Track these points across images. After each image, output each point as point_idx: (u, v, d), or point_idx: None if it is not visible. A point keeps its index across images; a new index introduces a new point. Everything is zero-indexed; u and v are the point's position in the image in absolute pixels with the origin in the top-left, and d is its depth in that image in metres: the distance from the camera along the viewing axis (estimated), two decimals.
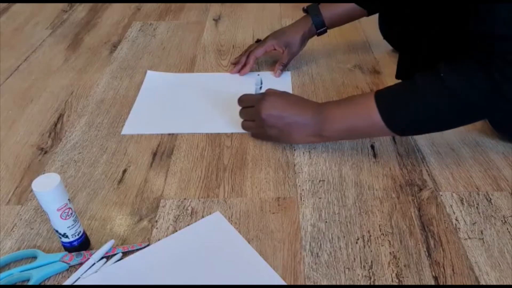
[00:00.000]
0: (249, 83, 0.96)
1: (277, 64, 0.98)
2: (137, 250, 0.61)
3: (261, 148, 0.78)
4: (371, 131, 0.71)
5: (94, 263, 0.58)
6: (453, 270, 0.58)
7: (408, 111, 0.67)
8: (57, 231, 0.58)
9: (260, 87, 0.75)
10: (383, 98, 0.68)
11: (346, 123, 0.71)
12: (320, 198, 0.68)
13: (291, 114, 0.73)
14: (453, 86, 0.63)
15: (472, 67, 0.62)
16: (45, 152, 0.79)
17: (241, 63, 0.99)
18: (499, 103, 0.63)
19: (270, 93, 0.75)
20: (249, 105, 0.77)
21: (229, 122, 0.83)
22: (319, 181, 0.71)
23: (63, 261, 0.58)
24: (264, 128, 0.75)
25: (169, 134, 0.82)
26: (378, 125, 0.68)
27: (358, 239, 0.62)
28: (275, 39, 0.97)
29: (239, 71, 0.99)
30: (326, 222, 0.64)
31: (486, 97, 0.62)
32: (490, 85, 0.61)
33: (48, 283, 0.57)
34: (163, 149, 0.79)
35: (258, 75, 0.74)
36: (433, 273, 0.57)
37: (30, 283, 0.56)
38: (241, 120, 0.80)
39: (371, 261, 0.59)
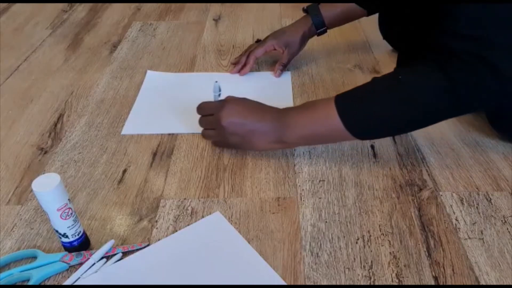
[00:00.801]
0: (249, 83, 0.96)
1: (277, 64, 0.98)
2: (137, 250, 0.61)
3: None
4: (333, 135, 0.70)
5: (94, 263, 0.58)
6: (453, 270, 0.58)
7: (367, 114, 0.66)
8: (57, 231, 0.58)
9: (219, 94, 0.73)
10: (343, 102, 0.67)
11: (307, 129, 0.69)
12: (320, 198, 0.68)
13: (252, 121, 0.71)
14: (410, 89, 0.63)
15: (429, 70, 0.62)
16: (45, 152, 0.79)
17: (241, 63, 0.99)
18: (455, 104, 0.63)
19: (230, 100, 0.73)
20: (209, 113, 0.74)
21: None
22: (319, 181, 0.71)
23: (63, 261, 0.58)
24: (225, 136, 0.72)
25: (169, 134, 0.82)
26: (338, 129, 0.67)
27: (358, 239, 0.62)
28: (275, 39, 0.97)
29: (239, 71, 0.99)
30: (326, 222, 0.64)
31: (443, 99, 0.62)
32: (446, 87, 0.61)
33: (48, 283, 0.57)
34: (163, 149, 0.79)
35: (216, 81, 0.73)
36: (433, 273, 0.57)
37: (30, 283, 0.56)
38: None
39: (371, 261, 0.59)
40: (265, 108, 0.73)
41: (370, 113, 0.66)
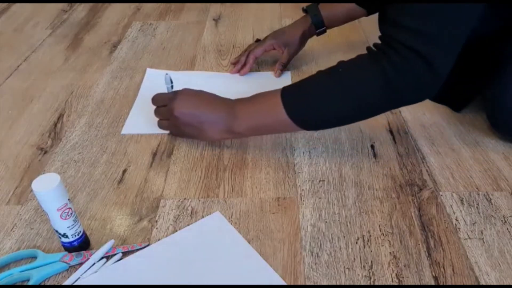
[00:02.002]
0: (249, 83, 0.96)
1: (277, 64, 0.98)
2: (137, 250, 0.61)
3: (261, 148, 0.78)
4: (279, 125, 0.71)
5: (94, 263, 0.58)
6: (453, 270, 0.58)
7: (310, 106, 0.68)
8: (57, 231, 0.58)
9: (172, 86, 0.76)
10: (289, 93, 0.69)
11: (254, 119, 0.71)
12: (320, 198, 0.68)
13: (203, 111, 0.73)
14: (347, 80, 0.66)
15: (367, 61, 0.65)
16: (45, 152, 0.79)
17: (241, 63, 0.99)
18: (390, 96, 0.65)
19: (183, 91, 0.75)
20: (162, 104, 0.77)
21: None
22: (319, 181, 0.71)
23: (63, 261, 0.58)
24: (178, 126, 0.75)
25: (169, 134, 0.82)
26: (284, 120, 0.69)
27: (358, 239, 0.62)
28: (274, 39, 0.97)
29: (239, 71, 0.99)
30: (326, 222, 0.64)
31: (378, 90, 0.64)
32: (381, 79, 0.63)
33: (48, 283, 0.57)
34: (163, 149, 0.79)
35: (167, 74, 0.76)
36: (433, 273, 0.57)
37: (30, 283, 0.56)
38: None
39: (371, 261, 0.59)
40: (217, 99, 0.75)
41: (311, 104, 0.68)
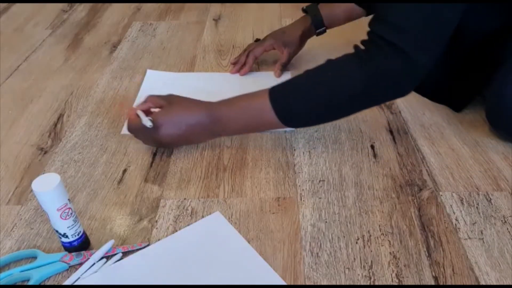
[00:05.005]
0: (249, 83, 0.96)
1: (277, 64, 0.98)
2: (137, 250, 0.61)
3: (261, 148, 0.78)
4: (267, 124, 0.73)
5: (94, 263, 0.58)
6: (453, 270, 0.58)
7: (296, 104, 0.69)
8: (57, 231, 0.58)
9: (149, 120, 0.72)
10: (276, 92, 0.70)
11: (240, 121, 0.73)
12: (320, 198, 0.68)
13: (186, 125, 0.72)
14: (331, 77, 0.67)
15: (351, 58, 0.67)
16: (45, 152, 0.79)
17: (241, 63, 0.99)
18: (371, 91, 0.66)
19: (159, 115, 0.72)
20: (142, 133, 0.75)
21: None
22: (319, 181, 0.71)
23: (63, 261, 0.58)
24: (168, 144, 0.77)
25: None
26: (271, 118, 0.70)
27: (358, 239, 0.62)
28: (274, 38, 0.97)
29: (238, 71, 0.99)
30: (326, 222, 0.64)
31: (358, 86, 0.65)
32: (361, 73, 0.65)
33: (48, 283, 0.57)
34: (163, 149, 0.79)
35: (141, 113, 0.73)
36: (433, 273, 0.57)
37: (30, 283, 0.56)
38: None
39: (371, 261, 0.59)
40: (197, 107, 0.73)
41: (298, 103, 0.69)
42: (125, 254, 0.60)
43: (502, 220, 0.64)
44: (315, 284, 0.56)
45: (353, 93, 0.67)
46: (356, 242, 0.61)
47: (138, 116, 0.73)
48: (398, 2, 0.63)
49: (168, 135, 0.73)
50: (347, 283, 0.56)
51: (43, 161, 0.77)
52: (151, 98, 0.75)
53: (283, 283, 0.56)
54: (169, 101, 0.74)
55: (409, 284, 0.56)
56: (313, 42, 1.01)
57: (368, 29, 0.67)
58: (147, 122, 0.72)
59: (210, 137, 0.77)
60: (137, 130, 0.75)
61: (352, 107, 0.71)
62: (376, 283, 0.56)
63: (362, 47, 0.67)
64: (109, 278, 0.57)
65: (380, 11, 0.65)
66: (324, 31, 0.98)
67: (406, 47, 0.62)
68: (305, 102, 0.68)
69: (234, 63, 1.01)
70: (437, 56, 0.65)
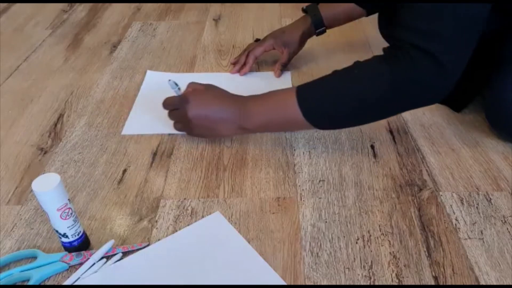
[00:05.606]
0: (249, 83, 0.96)
1: (277, 64, 0.98)
2: (137, 250, 0.61)
3: (261, 148, 0.78)
4: (291, 124, 0.72)
5: (94, 263, 0.58)
6: (453, 270, 0.58)
7: (323, 104, 0.68)
8: (57, 231, 0.58)
9: (178, 89, 0.75)
10: (303, 92, 0.69)
11: (266, 117, 0.72)
12: (320, 198, 0.68)
13: (215, 110, 0.74)
14: (360, 81, 0.66)
15: (380, 63, 0.65)
16: (45, 152, 0.79)
17: (241, 63, 0.99)
18: (400, 98, 0.66)
19: (193, 93, 0.75)
20: (174, 108, 0.77)
21: None
22: (319, 181, 0.71)
23: (63, 261, 0.58)
24: (192, 127, 0.76)
25: (169, 134, 0.82)
26: (296, 118, 0.69)
27: (358, 239, 0.62)
28: (274, 38, 0.97)
29: (238, 71, 0.99)
30: (326, 222, 0.64)
31: (387, 92, 0.64)
32: (390, 81, 0.63)
33: (48, 283, 0.57)
34: (163, 149, 0.79)
35: (169, 80, 0.75)
36: (433, 273, 0.57)
37: (30, 283, 0.56)
38: None
39: (371, 261, 0.59)
40: (228, 97, 0.75)
41: (325, 102, 0.68)
42: (125, 254, 0.60)
43: (502, 220, 0.64)
44: (315, 284, 0.56)
45: (381, 96, 0.65)
46: (356, 242, 0.61)
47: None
48: (419, 5, 0.61)
49: (195, 113, 0.73)
50: (347, 283, 0.56)
51: (43, 161, 0.77)
52: (192, 84, 0.77)
53: (283, 283, 0.56)
54: (206, 86, 0.77)
55: (409, 284, 0.56)
56: (313, 42, 1.01)
57: (393, 36, 0.66)
58: (174, 86, 0.74)
59: (235, 130, 0.75)
60: (170, 105, 0.77)
61: (381, 114, 0.70)
62: (376, 283, 0.56)
63: (390, 51, 0.65)
64: (109, 278, 0.57)
65: (405, 17, 0.64)
66: (324, 31, 0.98)
67: (438, 53, 0.61)
68: (332, 103, 0.68)
69: (234, 63, 1.01)
70: (467, 60, 0.63)
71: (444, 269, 0.58)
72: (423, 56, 0.61)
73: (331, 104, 0.68)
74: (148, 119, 0.86)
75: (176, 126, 0.79)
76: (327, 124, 0.73)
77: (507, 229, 0.63)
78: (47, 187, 0.54)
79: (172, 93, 0.76)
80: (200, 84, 0.77)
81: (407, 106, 0.71)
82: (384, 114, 0.71)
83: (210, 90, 0.76)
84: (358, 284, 0.56)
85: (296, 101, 0.68)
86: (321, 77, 0.71)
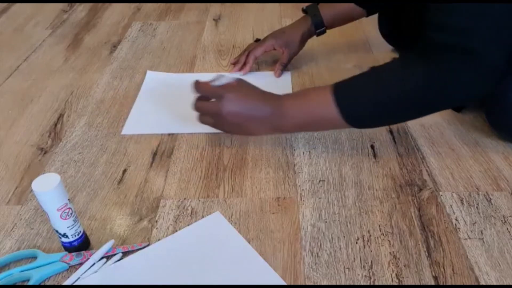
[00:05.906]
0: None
1: (277, 64, 0.98)
2: (137, 250, 0.61)
3: (261, 148, 0.78)
4: (327, 123, 0.71)
5: (94, 263, 0.58)
6: (453, 270, 0.58)
7: (363, 103, 0.68)
8: (57, 231, 0.58)
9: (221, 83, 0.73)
10: (340, 90, 0.68)
11: (302, 118, 0.71)
12: (320, 198, 0.68)
13: (250, 109, 0.72)
14: (398, 80, 0.65)
15: (416, 60, 0.64)
16: (45, 152, 0.79)
17: (241, 63, 0.99)
18: (439, 96, 0.65)
19: (230, 89, 0.72)
20: (206, 96, 0.74)
21: None
22: (319, 181, 0.71)
23: (63, 261, 0.58)
24: (224, 124, 0.74)
25: (169, 134, 0.82)
26: (334, 118, 0.68)
27: (358, 239, 0.62)
28: (274, 39, 0.97)
29: (239, 71, 0.99)
30: (326, 222, 0.64)
31: (427, 91, 0.64)
32: (429, 80, 0.63)
33: (48, 283, 0.57)
34: (163, 149, 0.79)
35: (222, 75, 0.73)
36: (433, 273, 0.57)
37: (30, 283, 0.56)
38: None
39: (371, 261, 0.59)
40: (265, 97, 0.73)
41: (365, 103, 0.67)
42: (125, 254, 0.60)
43: (502, 220, 0.64)
44: (315, 284, 0.56)
45: (424, 98, 0.65)
46: (356, 242, 0.61)
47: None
48: (454, 6, 0.60)
49: (230, 110, 0.71)
50: (347, 283, 0.56)
51: (43, 161, 0.77)
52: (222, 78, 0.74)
53: (283, 283, 0.56)
54: (240, 83, 0.74)
55: (409, 284, 0.56)
56: (313, 42, 1.01)
57: (423, 38, 0.65)
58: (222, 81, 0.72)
59: (270, 130, 0.73)
60: (204, 88, 0.74)
61: (421, 111, 0.69)
62: (376, 283, 0.56)
63: (423, 52, 0.64)
64: (109, 278, 0.57)
65: (437, 17, 0.62)
66: (324, 31, 0.98)
67: (481, 51, 0.60)
68: (369, 101, 0.67)
69: (234, 63, 1.01)
70: (508, 55, 0.62)
71: (444, 269, 0.58)
72: (462, 54, 0.60)
73: (369, 104, 0.67)
74: (148, 119, 0.86)
75: (202, 119, 0.76)
76: (366, 124, 0.73)
77: (507, 229, 0.63)
78: (47, 187, 0.54)
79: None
80: (232, 78, 0.74)
81: (445, 104, 0.70)
82: (425, 111, 0.70)
83: (245, 86, 0.74)
84: (358, 284, 0.56)
85: (334, 103, 0.67)
86: (358, 74, 0.70)
